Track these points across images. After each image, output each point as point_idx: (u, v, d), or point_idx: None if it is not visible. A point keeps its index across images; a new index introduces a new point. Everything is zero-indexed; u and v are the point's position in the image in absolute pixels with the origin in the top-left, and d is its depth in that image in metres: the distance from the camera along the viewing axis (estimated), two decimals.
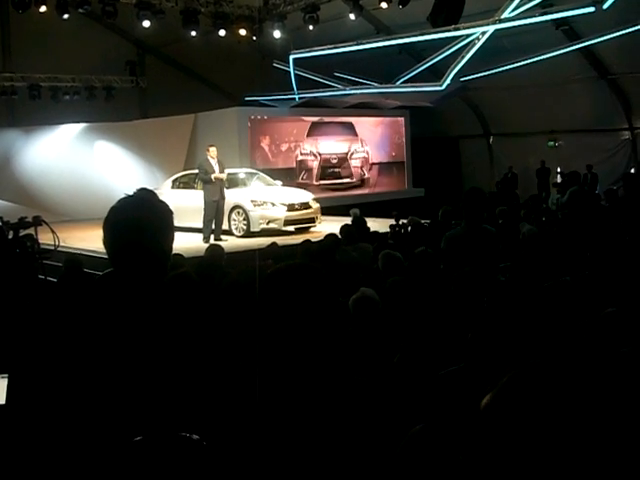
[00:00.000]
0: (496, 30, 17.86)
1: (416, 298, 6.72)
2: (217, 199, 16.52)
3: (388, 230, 12.88)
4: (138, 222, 2.70)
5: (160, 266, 2.79)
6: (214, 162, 16.71)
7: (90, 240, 14.37)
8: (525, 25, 17.53)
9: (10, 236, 4.35)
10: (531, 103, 24.08)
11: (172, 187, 19.10)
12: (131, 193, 2.80)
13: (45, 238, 4.56)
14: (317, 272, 2.26)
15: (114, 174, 22.01)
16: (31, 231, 4.44)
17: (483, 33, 18.08)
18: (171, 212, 2.83)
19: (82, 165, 23.99)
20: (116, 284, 2.76)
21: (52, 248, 4.53)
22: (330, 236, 10.79)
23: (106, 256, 2.79)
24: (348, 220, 13.48)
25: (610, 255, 8.02)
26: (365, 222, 13.37)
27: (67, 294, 6.38)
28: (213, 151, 16.86)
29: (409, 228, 12.22)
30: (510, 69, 20.95)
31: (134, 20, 19.89)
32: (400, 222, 12.92)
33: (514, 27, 17.68)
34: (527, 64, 20.47)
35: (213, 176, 16.38)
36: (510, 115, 25.99)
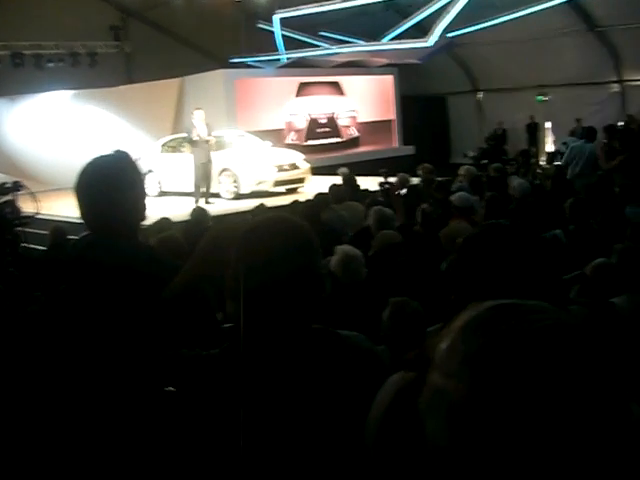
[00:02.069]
0: None
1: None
2: (205, 162, 16.44)
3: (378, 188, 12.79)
4: (107, 181, 2.67)
5: (131, 226, 2.76)
6: (201, 125, 16.62)
7: (73, 207, 14.26)
8: None
9: None
10: (519, 58, 23.91)
11: (161, 151, 19.01)
12: (100, 154, 2.77)
13: (26, 206, 4.48)
14: (296, 224, 2.18)
15: (101, 141, 21.83)
16: (11, 197, 4.35)
17: None
18: (140, 171, 2.81)
19: (68, 132, 23.83)
20: (94, 247, 2.72)
21: (32, 214, 4.46)
22: (318, 195, 10.74)
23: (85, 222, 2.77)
24: (337, 180, 13.41)
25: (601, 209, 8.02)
26: (355, 181, 13.32)
27: (54, 265, 6.34)
28: (199, 114, 16.78)
29: (404, 190, 12.15)
30: (498, 24, 20.81)
31: None
32: (389, 179, 12.84)
33: None
34: (515, 18, 20.33)
35: (195, 136, 16.33)
36: (498, 71, 25.84)
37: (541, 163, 21.93)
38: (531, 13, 19.97)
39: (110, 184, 2.67)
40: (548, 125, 25.96)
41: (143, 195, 2.84)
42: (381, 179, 13.09)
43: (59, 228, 9.23)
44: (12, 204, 4.13)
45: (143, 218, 2.86)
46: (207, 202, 15.99)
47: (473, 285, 1.94)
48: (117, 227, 2.66)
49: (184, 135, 17.60)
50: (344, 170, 14.36)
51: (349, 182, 12.66)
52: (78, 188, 2.75)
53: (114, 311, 2.42)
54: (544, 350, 0.96)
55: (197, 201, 16.01)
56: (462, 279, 2.01)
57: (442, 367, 1.02)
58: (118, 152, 2.82)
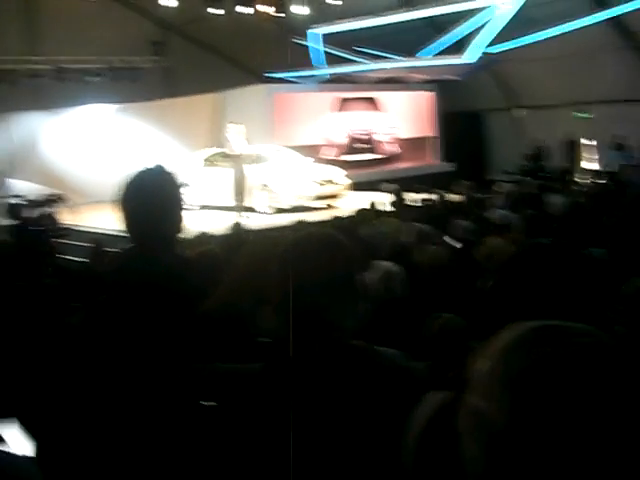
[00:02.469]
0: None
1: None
2: (244, 176, 16.46)
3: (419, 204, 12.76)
4: (146, 194, 2.68)
5: (168, 238, 2.77)
6: (236, 139, 16.66)
7: (112, 220, 14.40)
8: None
9: (28, 215, 4.35)
10: (559, 74, 23.74)
11: (200, 165, 19.11)
12: (140, 168, 2.79)
13: (65, 218, 4.53)
14: (339, 240, 2.18)
15: (140, 154, 22.01)
16: (50, 209, 4.41)
17: (511, 2, 17.84)
18: (178, 185, 2.83)
19: (108, 146, 24.09)
20: (134, 259, 2.73)
21: (70, 226, 4.51)
22: (360, 211, 10.75)
23: (126, 235, 2.79)
24: (378, 196, 13.40)
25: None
26: (402, 197, 13.20)
27: (92, 277, 6.40)
28: (234, 128, 16.83)
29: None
30: (538, 40, 20.67)
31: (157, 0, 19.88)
32: (428, 197, 12.81)
33: None
34: (555, 35, 20.19)
35: (230, 152, 16.40)
36: (538, 87, 25.66)
37: (580, 180, 21.74)
38: (571, 30, 19.82)
39: (150, 197, 2.68)
40: (588, 142, 25.71)
41: (181, 208, 2.86)
42: (421, 195, 13.06)
43: (98, 240, 9.34)
44: (51, 216, 4.18)
45: (180, 231, 2.88)
46: (244, 216, 16.02)
47: (515, 304, 1.92)
48: (156, 240, 2.67)
49: (220, 149, 17.66)
50: (390, 187, 14.19)
51: (396, 198, 12.60)
52: (119, 201, 2.77)
53: (152, 323, 2.42)
54: (588, 376, 0.92)
55: (239, 216, 16.05)
56: (505, 298, 1.98)
57: (481, 389, 1.00)
58: (158, 166, 2.83)
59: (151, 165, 2.83)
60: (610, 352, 0.96)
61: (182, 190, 2.88)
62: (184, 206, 2.90)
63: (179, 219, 2.83)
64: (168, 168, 2.86)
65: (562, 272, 1.94)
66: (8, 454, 1.66)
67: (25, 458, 1.70)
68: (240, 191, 16.58)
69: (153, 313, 2.45)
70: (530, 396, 0.93)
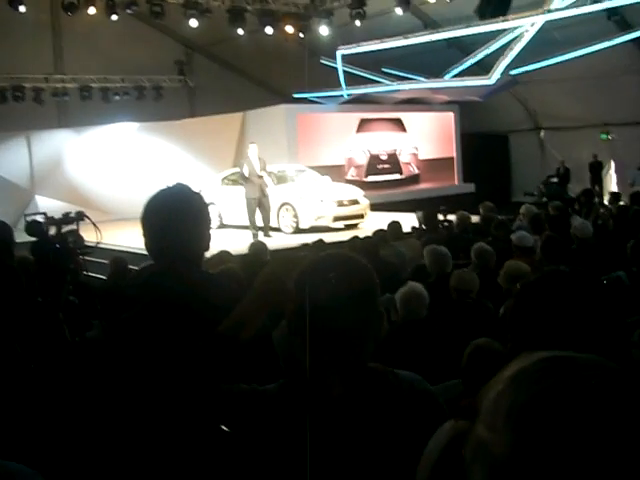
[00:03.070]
0: (546, 21, 17.63)
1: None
2: (256, 197, 16.46)
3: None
4: (174, 213, 2.70)
5: (196, 256, 2.78)
6: (254, 160, 16.70)
7: (134, 237, 14.48)
8: (576, 16, 17.24)
9: (53, 232, 4.40)
10: (582, 96, 23.72)
11: (222, 184, 19.19)
12: (166, 187, 2.81)
13: (88, 235, 4.59)
14: (358, 262, 2.19)
15: (163, 173, 22.13)
16: (74, 227, 4.47)
17: (532, 25, 17.85)
18: (206, 204, 2.84)
19: (131, 164, 24.28)
20: (158, 278, 2.75)
21: (94, 244, 4.56)
22: (377, 232, 10.73)
23: (150, 253, 2.80)
24: (397, 216, 13.37)
25: None
26: (436, 219, 13.05)
27: (113, 295, 6.43)
28: (253, 148, 16.88)
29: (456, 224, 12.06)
30: (560, 62, 20.64)
31: (182, 20, 20.05)
32: (447, 217, 12.77)
33: (564, 18, 17.39)
34: (578, 56, 20.16)
35: (247, 172, 16.40)
36: (561, 108, 25.64)
37: (604, 202, 21.62)
38: (595, 51, 19.78)
39: (178, 215, 2.70)
40: (612, 163, 25.62)
41: (208, 226, 2.88)
42: (440, 217, 13.00)
43: (119, 258, 9.39)
44: (75, 233, 4.24)
45: (207, 249, 2.90)
46: (266, 235, 16.06)
47: (530, 332, 1.92)
48: (182, 257, 2.68)
49: (238, 169, 17.69)
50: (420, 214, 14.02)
51: (428, 221, 12.49)
52: (145, 219, 2.78)
53: (173, 342, 2.44)
54: (594, 413, 0.89)
55: (254, 235, 16.08)
56: (519, 326, 1.98)
57: (486, 419, 0.98)
58: (184, 185, 2.86)
59: (178, 184, 2.85)
60: (621, 386, 0.93)
61: (209, 209, 2.90)
62: (211, 225, 2.92)
63: (207, 237, 2.85)
64: (193, 188, 2.89)
65: (579, 301, 1.93)
66: (15, 466, 1.67)
67: (32, 472, 1.72)
68: (263, 211, 16.60)
69: (174, 332, 2.46)
70: (531, 429, 0.91)
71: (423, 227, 12.58)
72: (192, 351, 2.40)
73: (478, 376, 4.17)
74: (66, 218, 4.60)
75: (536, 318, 1.91)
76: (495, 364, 3.54)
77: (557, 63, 20.70)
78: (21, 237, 4.35)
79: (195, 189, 2.92)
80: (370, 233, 11.41)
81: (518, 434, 0.92)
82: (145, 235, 2.79)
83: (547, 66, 20.99)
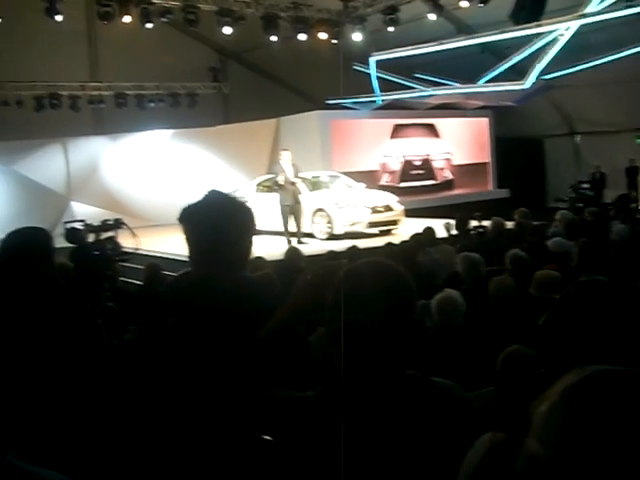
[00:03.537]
0: (580, 26, 17.51)
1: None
2: (290, 204, 16.53)
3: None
4: (219, 219, 2.71)
5: (238, 265, 2.79)
6: (288, 166, 16.72)
7: (170, 244, 14.59)
8: (610, 19, 17.10)
9: (91, 239, 4.46)
10: (617, 100, 23.49)
11: (256, 191, 19.25)
12: (205, 194, 2.82)
13: (126, 242, 4.66)
14: (395, 269, 2.20)
15: (198, 179, 22.25)
16: (112, 234, 4.53)
17: (567, 29, 17.74)
18: (251, 212, 2.85)
19: (166, 170, 24.47)
20: (194, 285, 2.77)
21: (132, 251, 4.63)
22: (413, 237, 10.71)
23: (183, 259, 2.81)
24: (431, 222, 13.33)
25: None
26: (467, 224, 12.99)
27: (149, 300, 6.50)
28: (285, 155, 16.89)
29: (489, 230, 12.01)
30: (595, 66, 20.49)
31: (215, 27, 20.15)
32: (482, 223, 12.70)
33: (599, 22, 17.27)
34: (613, 60, 20.00)
35: (281, 178, 16.40)
36: (596, 113, 25.41)
37: None
38: (629, 55, 19.61)
39: (222, 221, 2.70)
40: None
41: (251, 231, 2.88)
42: (475, 222, 12.94)
43: (153, 264, 9.46)
44: (113, 240, 4.30)
45: (250, 254, 2.90)
46: (300, 242, 16.10)
47: (569, 343, 1.91)
48: (226, 264, 2.69)
49: (272, 175, 17.70)
50: (447, 223, 13.94)
51: (459, 227, 12.45)
52: (188, 226, 2.78)
53: (217, 347, 2.44)
54: None
55: (289, 242, 16.12)
56: (558, 336, 1.97)
57: (539, 433, 0.98)
58: (225, 192, 2.87)
59: (219, 191, 2.86)
60: None
61: (252, 213, 2.90)
62: (255, 229, 2.92)
63: (250, 243, 2.85)
64: (229, 192, 2.90)
65: (618, 312, 1.92)
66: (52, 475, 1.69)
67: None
68: (296, 218, 16.63)
69: (227, 337, 2.47)
70: (585, 445, 0.90)
71: (452, 233, 12.56)
72: (236, 357, 2.41)
73: (511, 383, 4.17)
74: (104, 225, 4.66)
75: (575, 329, 1.91)
76: (528, 371, 3.51)
77: (592, 67, 20.55)
78: (58, 243, 4.41)
79: (230, 191, 2.93)
80: (404, 239, 11.39)
81: (571, 449, 0.91)
82: (188, 241, 2.79)
83: (582, 70, 20.84)
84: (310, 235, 17.34)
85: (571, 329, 1.92)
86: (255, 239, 2.88)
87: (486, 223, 12.57)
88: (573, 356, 1.19)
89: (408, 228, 16.34)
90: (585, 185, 22.48)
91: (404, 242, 10.64)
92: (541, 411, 1.01)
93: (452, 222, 13.23)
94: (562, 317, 1.99)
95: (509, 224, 12.78)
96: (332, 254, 11.08)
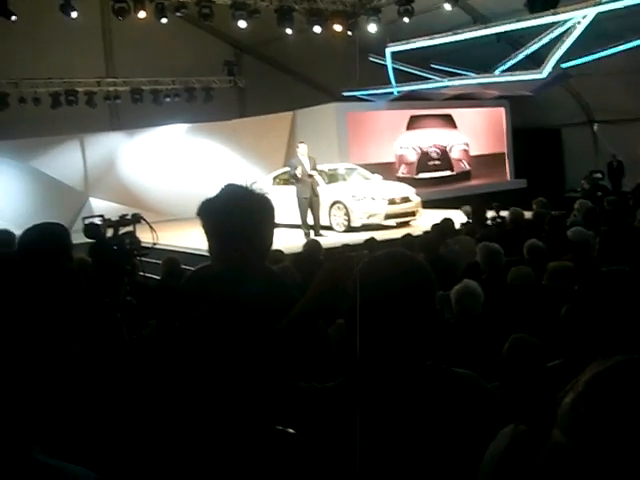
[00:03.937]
0: (597, 13, 17.37)
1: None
2: (308, 196, 16.54)
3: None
4: (239, 212, 2.71)
5: (260, 257, 2.79)
6: (304, 159, 16.72)
7: (187, 238, 14.65)
8: (627, 7, 16.95)
9: (110, 234, 4.47)
10: (636, 88, 23.32)
11: (273, 184, 19.26)
12: (223, 187, 2.81)
13: (144, 236, 4.66)
14: (415, 260, 2.20)
15: (215, 174, 22.29)
16: (131, 229, 4.53)
17: (584, 17, 17.61)
18: (271, 203, 2.85)
19: (183, 165, 24.54)
20: (217, 278, 2.76)
21: (150, 245, 4.63)
22: (435, 227, 10.69)
23: (201, 253, 2.81)
24: (449, 213, 13.31)
25: None
26: (484, 214, 12.98)
27: (167, 295, 6.51)
28: (302, 148, 16.87)
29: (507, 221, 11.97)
30: (613, 53, 20.34)
31: (230, 21, 20.15)
32: (500, 214, 12.67)
33: (616, 9, 17.12)
34: (631, 47, 19.84)
35: (298, 171, 16.38)
36: (614, 102, 25.22)
37: None
38: None
39: (242, 214, 2.70)
40: None
41: (272, 223, 2.87)
42: (493, 213, 12.92)
43: (171, 259, 9.46)
44: (132, 235, 4.30)
45: (271, 246, 2.90)
46: (318, 234, 16.10)
47: (592, 334, 1.90)
48: (247, 257, 2.68)
49: (288, 168, 17.70)
50: (467, 208, 13.97)
51: (476, 216, 12.45)
52: (207, 220, 2.77)
53: (241, 339, 2.44)
54: None
55: (306, 234, 16.13)
56: (580, 327, 1.96)
57: (564, 424, 0.97)
58: (244, 186, 2.86)
59: (237, 184, 2.86)
60: None
61: (273, 205, 2.90)
62: (275, 220, 2.91)
63: (271, 233, 2.85)
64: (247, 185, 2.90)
65: (637, 302, 1.90)
66: (74, 469, 1.69)
67: (92, 474, 1.75)
68: (314, 210, 16.62)
69: (250, 329, 2.47)
70: (611, 435, 0.90)
71: (469, 221, 12.53)
72: (262, 348, 2.41)
73: (517, 370, 4.20)
74: (123, 220, 4.66)
75: (598, 319, 1.89)
76: (533, 358, 3.50)
77: (610, 55, 20.40)
78: (77, 239, 4.42)
79: (248, 183, 2.93)
80: (423, 230, 11.38)
81: (597, 439, 0.91)
82: (208, 235, 2.79)
83: (599, 58, 20.68)
84: (328, 228, 17.33)
85: (594, 319, 1.91)
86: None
87: (504, 213, 12.54)
88: (596, 346, 1.18)
89: (426, 219, 16.32)
90: (598, 175, 22.34)
91: (426, 232, 10.61)
92: (566, 402, 1.01)
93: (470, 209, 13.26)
94: (585, 307, 1.98)
95: (527, 214, 12.74)
96: (348, 247, 11.08)
